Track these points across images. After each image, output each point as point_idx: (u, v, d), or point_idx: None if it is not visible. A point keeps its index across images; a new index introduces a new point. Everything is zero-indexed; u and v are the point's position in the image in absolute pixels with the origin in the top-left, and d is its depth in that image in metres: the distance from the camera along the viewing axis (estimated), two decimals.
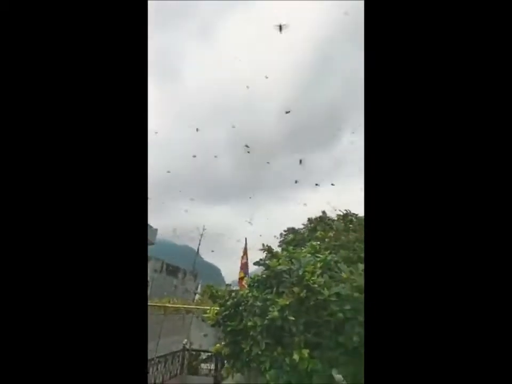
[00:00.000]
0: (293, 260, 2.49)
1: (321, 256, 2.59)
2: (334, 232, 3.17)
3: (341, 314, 2.02)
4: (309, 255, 2.53)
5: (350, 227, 3.17)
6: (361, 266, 2.22)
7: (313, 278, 2.15)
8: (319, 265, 2.35)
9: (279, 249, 3.97)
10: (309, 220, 4.94)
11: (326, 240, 3.23)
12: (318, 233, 3.32)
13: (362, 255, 2.89)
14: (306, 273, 2.18)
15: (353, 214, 3.33)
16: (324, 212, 4.42)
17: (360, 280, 2.04)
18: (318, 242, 3.02)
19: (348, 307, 2.01)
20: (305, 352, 2.04)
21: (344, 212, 3.32)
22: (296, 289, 2.16)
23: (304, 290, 2.16)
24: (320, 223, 3.97)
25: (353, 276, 2.14)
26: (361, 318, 1.96)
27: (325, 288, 2.14)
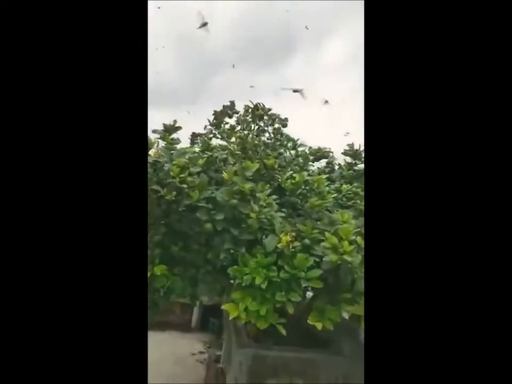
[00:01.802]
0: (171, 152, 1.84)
1: (208, 152, 2.01)
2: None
3: (209, 225, 1.56)
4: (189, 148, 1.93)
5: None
6: (253, 166, 1.70)
7: (182, 175, 1.57)
8: (200, 161, 1.77)
9: None
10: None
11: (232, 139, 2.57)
12: (221, 129, 2.59)
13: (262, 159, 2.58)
14: (175, 167, 1.58)
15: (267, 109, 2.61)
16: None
17: (243, 183, 1.54)
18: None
19: (220, 217, 1.55)
20: (162, 268, 1.64)
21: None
22: (159, 188, 1.58)
23: (174, 192, 1.61)
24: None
25: (237, 178, 1.61)
26: (235, 232, 1.58)
27: (196, 191, 1.61)
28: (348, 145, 3.56)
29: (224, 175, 1.62)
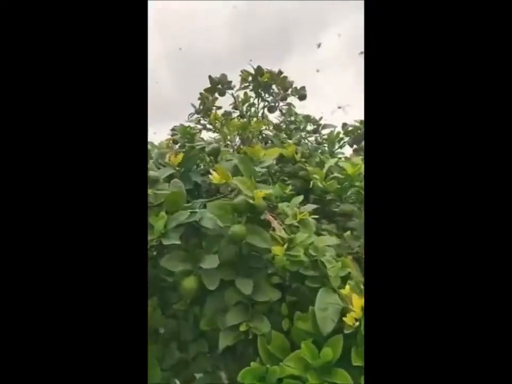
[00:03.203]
0: None
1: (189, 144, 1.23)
2: None
3: (191, 281, 0.77)
4: None
5: None
6: (271, 152, 0.89)
7: None
8: (173, 158, 0.99)
9: None
10: None
11: None
12: (212, 116, 1.82)
13: None
14: None
15: None
16: None
17: (252, 187, 0.75)
18: None
19: (210, 263, 0.76)
20: None
21: None
22: None
23: None
24: None
25: (239, 181, 0.82)
26: (245, 288, 0.79)
27: (163, 213, 0.83)
28: None
29: (213, 176, 0.80)
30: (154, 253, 0.93)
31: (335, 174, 1.07)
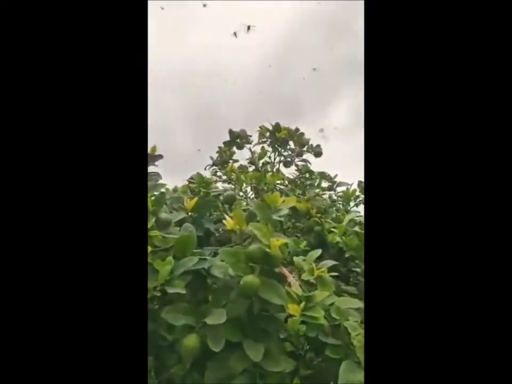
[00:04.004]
0: None
1: (204, 190, 1.20)
2: None
3: (193, 339, 0.67)
4: None
5: None
6: (289, 200, 0.84)
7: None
8: (188, 203, 0.95)
9: None
10: None
11: None
12: (228, 168, 1.84)
13: None
14: None
15: None
16: None
17: (268, 235, 0.68)
18: None
19: (218, 318, 0.67)
20: None
21: None
22: None
23: None
24: None
25: (255, 227, 0.76)
26: (255, 353, 0.68)
27: (170, 258, 0.76)
28: None
29: (227, 221, 0.75)
30: (156, 306, 0.84)
31: (355, 229, 1.00)
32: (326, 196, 1.97)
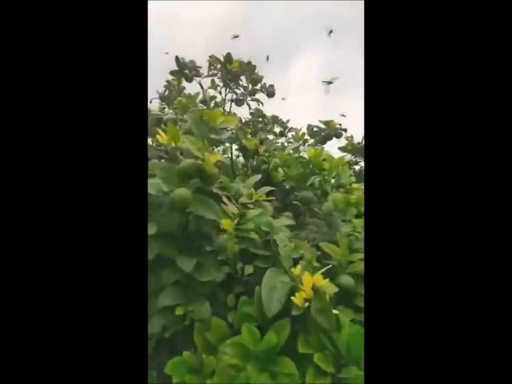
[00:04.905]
0: None
1: None
2: None
3: None
4: None
5: None
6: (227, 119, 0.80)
7: None
8: None
9: None
10: None
11: None
12: (177, 102, 1.71)
13: None
14: None
15: None
16: None
17: (201, 148, 0.66)
18: None
19: (150, 230, 0.66)
20: None
21: None
22: None
23: None
24: None
25: (189, 141, 0.73)
26: (187, 263, 0.69)
27: None
28: (346, 138, 2.77)
29: (160, 136, 0.70)
30: None
31: (297, 156, 1.02)
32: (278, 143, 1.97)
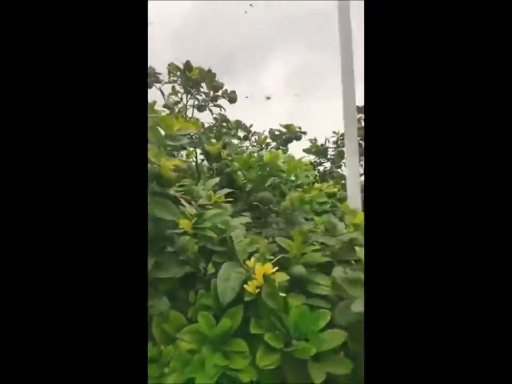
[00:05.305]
0: None
1: None
2: None
3: None
4: None
5: None
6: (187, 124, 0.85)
7: None
8: None
9: None
10: None
11: None
12: None
13: None
14: None
15: None
16: None
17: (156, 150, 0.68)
18: None
19: None
20: None
21: None
22: None
23: None
24: None
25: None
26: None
27: None
28: (310, 140, 2.89)
29: None
30: None
31: (255, 159, 1.09)
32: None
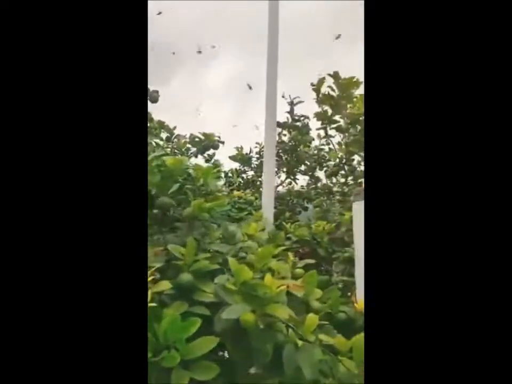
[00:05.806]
0: None
1: None
2: None
3: None
4: None
5: None
6: None
7: None
8: None
9: None
10: None
11: None
12: None
13: None
14: None
15: None
16: None
17: None
18: None
19: None
20: None
21: None
22: None
23: None
24: None
25: None
26: None
27: None
28: (236, 148, 2.96)
29: None
30: None
31: (157, 164, 1.08)
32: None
